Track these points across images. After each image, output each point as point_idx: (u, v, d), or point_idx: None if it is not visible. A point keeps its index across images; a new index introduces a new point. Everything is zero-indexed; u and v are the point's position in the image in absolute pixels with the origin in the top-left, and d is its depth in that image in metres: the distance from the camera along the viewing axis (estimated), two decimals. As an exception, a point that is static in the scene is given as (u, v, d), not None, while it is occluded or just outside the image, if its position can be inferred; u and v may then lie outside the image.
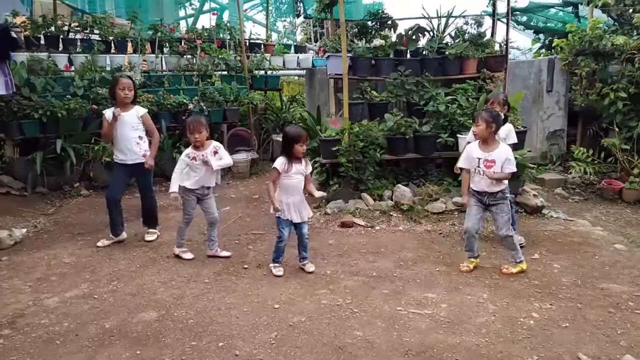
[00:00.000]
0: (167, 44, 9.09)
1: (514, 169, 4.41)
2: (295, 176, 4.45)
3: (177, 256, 5.00)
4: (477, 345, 3.38)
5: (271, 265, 4.67)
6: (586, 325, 3.64)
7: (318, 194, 4.71)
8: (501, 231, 4.50)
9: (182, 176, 4.87)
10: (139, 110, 5.37)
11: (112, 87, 5.28)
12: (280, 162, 4.43)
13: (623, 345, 3.37)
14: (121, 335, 3.56)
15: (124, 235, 5.47)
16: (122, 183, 5.47)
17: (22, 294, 4.23)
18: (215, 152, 4.84)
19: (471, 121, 6.52)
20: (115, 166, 5.44)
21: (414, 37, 7.46)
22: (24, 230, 5.76)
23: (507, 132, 4.99)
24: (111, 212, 5.36)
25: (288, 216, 4.49)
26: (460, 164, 4.63)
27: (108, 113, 5.24)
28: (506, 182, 4.46)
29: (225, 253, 5.06)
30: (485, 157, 4.39)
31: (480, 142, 4.48)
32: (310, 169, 4.61)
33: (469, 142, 4.86)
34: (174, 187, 4.81)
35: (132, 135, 5.25)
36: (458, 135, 6.58)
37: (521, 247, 4.76)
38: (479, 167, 4.42)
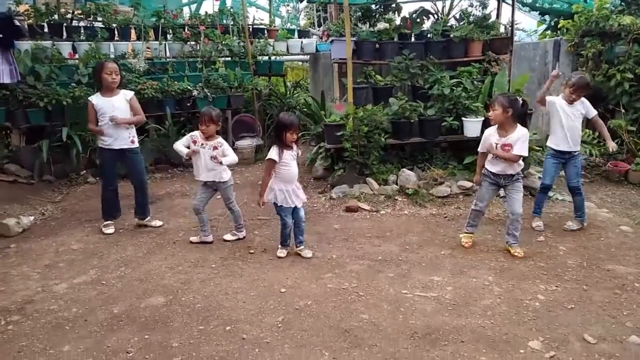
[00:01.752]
0: (170, 30, 9.06)
1: (524, 153, 4.38)
2: (289, 163, 4.48)
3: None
4: (482, 327, 3.40)
5: (279, 247, 4.75)
6: (592, 306, 3.65)
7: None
8: (515, 208, 4.51)
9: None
10: (127, 94, 5.33)
11: (98, 72, 5.17)
12: (274, 152, 4.44)
13: (629, 326, 3.38)
14: (129, 320, 3.60)
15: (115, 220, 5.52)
16: (114, 171, 5.43)
17: (31, 281, 4.28)
18: (215, 148, 4.83)
19: (476, 104, 6.53)
20: (103, 153, 5.29)
21: (418, 20, 7.40)
22: (32, 217, 5.81)
23: (587, 107, 5.04)
24: (108, 200, 5.39)
25: (289, 203, 4.54)
26: (480, 148, 4.68)
27: (95, 100, 5.15)
28: (522, 163, 4.50)
29: (229, 237, 5.14)
30: (503, 142, 4.41)
31: (498, 126, 4.49)
32: (299, 152, 4.64)
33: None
34: (180, 148, 4.90)
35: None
36: (463, 119, 6.56)
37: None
38: (496, 150, 4.46)
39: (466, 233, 4.85)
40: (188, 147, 4.89)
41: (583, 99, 5.04)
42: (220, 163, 4.78)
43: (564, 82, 5.08)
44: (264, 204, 4.58)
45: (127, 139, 5.26)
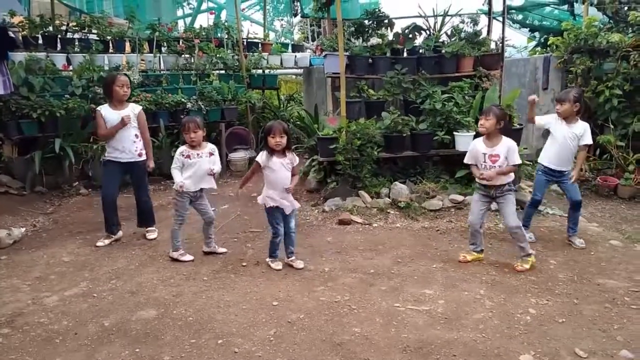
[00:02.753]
0: (165, 43, 9.11)
1: (518, 161, 4.50)
2: (276, 169, 4.47)
3: (176, 260, 4.88)
4: (474, 340, 3.41)
5: (268, 260, 4.73)
6: (582, 320, 3.67)
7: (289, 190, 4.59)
8: (510, 222, 4.53)
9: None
10: (135, 108, 5.36)
11: (109, 85, 5.20)
12: (260, 155, 4.53)
13: (619, 340, 3.40)
14: (120, 334, 3.57)
15: (120, 233, 5.50)
16: (117, 181, 5.45)
17: (21, 293, 4.25)
18: (211, 154, 4.84)
19: (468, 119, 6.58)
20: (108, 164, 5.35)
21: (410, 35, 7.48)
22: (23, 229, 5.78)
23: (584, 133, 5.01)
24: (107, 211, 5.37)
25: (277, 203, 4.51)
26: (467, 160, 4.72)
27: (104, 111, 5.19)
28: (512, 174, 4.55)
29: (222, 250, 5.09)
30: (490, 152, 4.47)
31: (484, 137, 4.55)
32: (296, 160, 4.58)
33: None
34: (178, 178, 4.71)
35: (130, 133, 5.26)
36: (455, 133, 6.61)
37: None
38: (484, 162, 4.50)
39: (469, 251, 4.80)
40: (183, 165, 4.77)
41: (585, 124, 5.04)
42: (214, 175, 4.81)
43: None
44: (238, 190, 4.87)
45: (135, 153, 5.31)
